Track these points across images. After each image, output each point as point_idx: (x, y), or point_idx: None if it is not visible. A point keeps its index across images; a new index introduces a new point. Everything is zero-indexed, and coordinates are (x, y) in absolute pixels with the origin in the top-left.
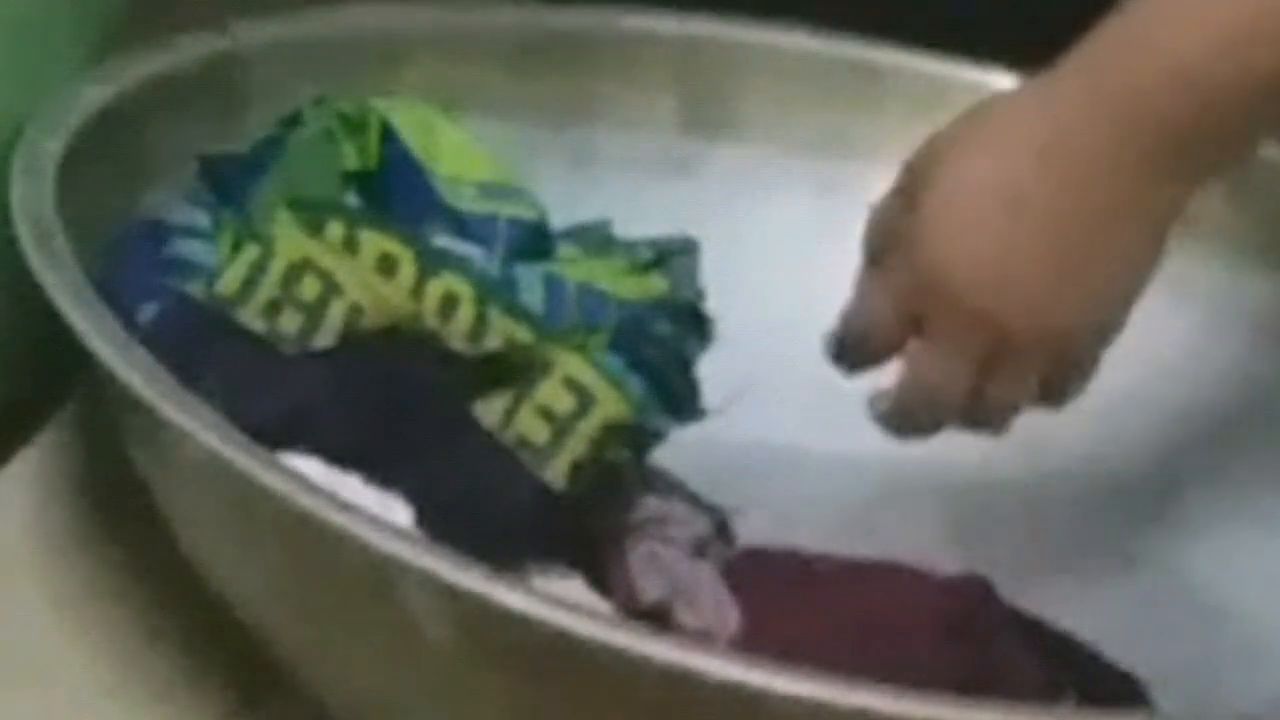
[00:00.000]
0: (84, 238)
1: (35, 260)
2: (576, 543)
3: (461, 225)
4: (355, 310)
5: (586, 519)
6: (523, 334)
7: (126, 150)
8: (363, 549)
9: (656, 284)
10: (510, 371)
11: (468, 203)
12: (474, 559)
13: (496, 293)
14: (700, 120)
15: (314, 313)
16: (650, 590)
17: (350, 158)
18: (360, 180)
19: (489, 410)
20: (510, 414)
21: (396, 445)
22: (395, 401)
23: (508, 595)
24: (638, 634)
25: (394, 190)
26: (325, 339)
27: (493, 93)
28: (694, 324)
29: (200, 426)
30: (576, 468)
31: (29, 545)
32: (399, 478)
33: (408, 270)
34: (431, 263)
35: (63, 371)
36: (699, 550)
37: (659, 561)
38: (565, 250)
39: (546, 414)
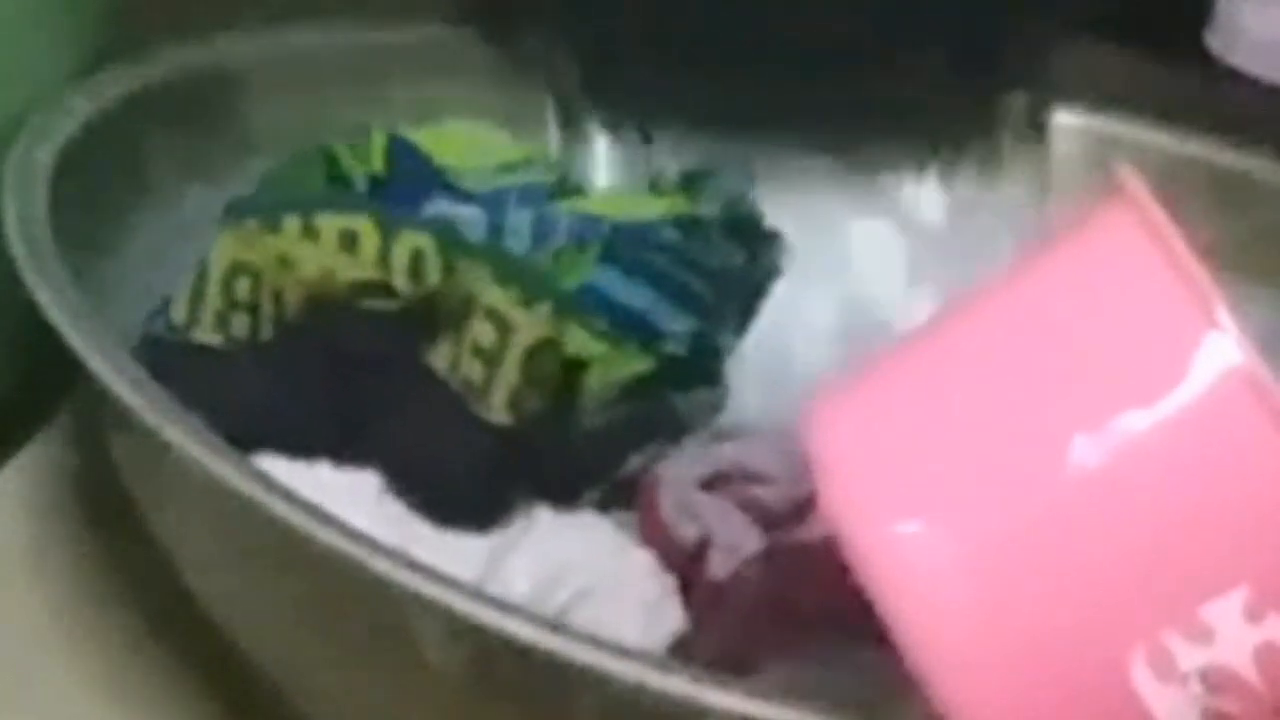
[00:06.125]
0: (76, 249)
1: (27, 272)
2: (534, 478)
3: (467, 199)
4: (308, 289)
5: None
6: (482, 273)
7: (117, 162)
8: (365, 575)
9: (675, 204)
10: (450, 315)
11: (477, 183)
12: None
13: (454, 236)
14: None
15: (255, 310)
16: (685, 531)
17: (356, 168)
18: (371, 184)
19: (439, 357)
20: (456, 358)
21: (355, 420)
22: (344, 377)
23: (518, 626)
24: (651, 668)
25: (397, 177)
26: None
27: (479, 108)
28: (740, 236)
29: (196, 444)
30: (515, 398)
31: (21, 551)
32: (364, 452)
33: (370, 239)
34: (391, 224)
35: (56, 378)
36: (710, 485)
37: (683, 501)
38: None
39: (478, 350)
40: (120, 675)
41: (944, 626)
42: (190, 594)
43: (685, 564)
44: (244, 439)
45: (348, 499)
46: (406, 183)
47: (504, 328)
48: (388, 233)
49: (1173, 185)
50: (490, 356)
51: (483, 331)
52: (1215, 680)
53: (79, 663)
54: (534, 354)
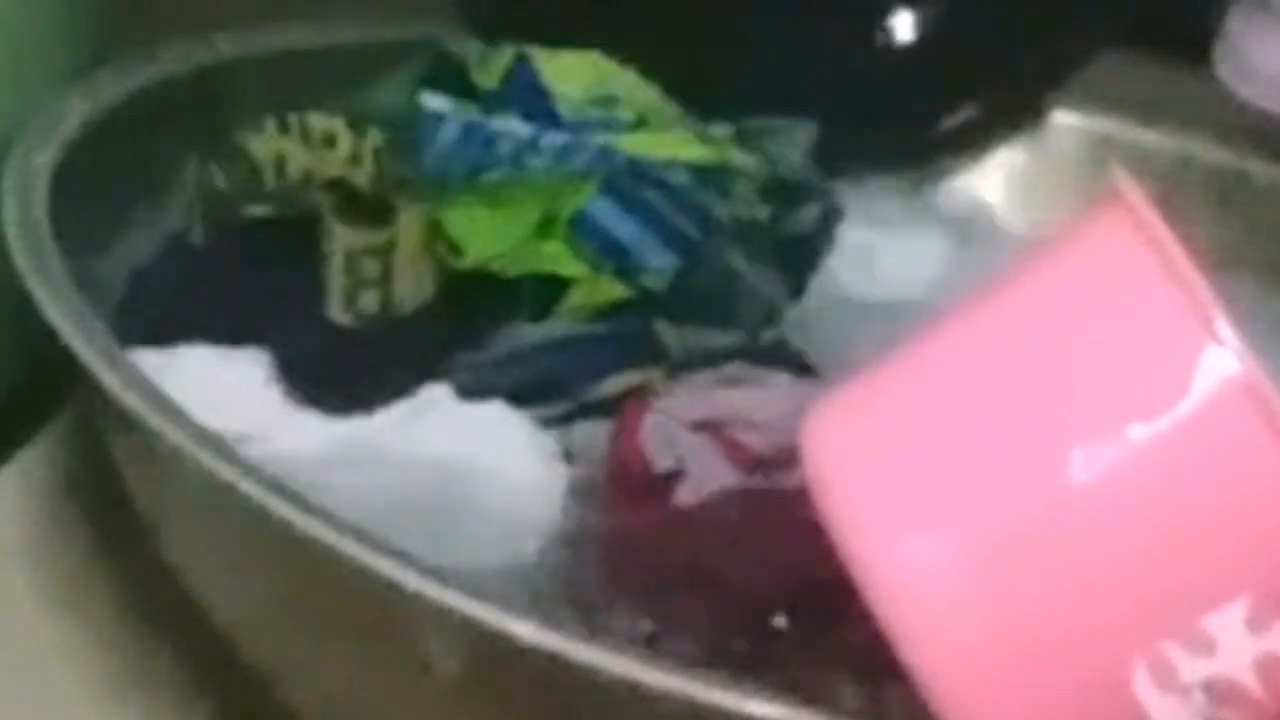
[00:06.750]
0: (76, 249)
1: (27, 272)
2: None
3: (545, 121)
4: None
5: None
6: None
7: (117, 162)
8: (365, 575)
9: (710, 152)
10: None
11: (572, 110)
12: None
13: (393, 139)
14: None
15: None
16: (661, 460)
17: (481, 78)
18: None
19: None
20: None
21: (261, 313)
22: (257, 274)
23: (518, 627)
24: (653, 667)
25: (502, 93)
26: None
27: None
28: (776, 194)
29: (196, 445)
30: (347, 300)
31: (21, 551)
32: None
33: (344, 139)
34: (361, 125)
35: (56, 378)
36: (698, 426)
37: (666, 432)
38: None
39: (322, 255)
40: (120, 675)
41: (945, 633)
42: (190, 593)
43: (651, 489)
44: (170, 330)
45: (238, 382)
46: (505, 100)
47: (330, 234)
48: (358, 132)
49: (1173, 186)
50: (326, 260)
51: (324, 238)
52: (1219, 692)
53: (79, 663)
54: (354, 259)
